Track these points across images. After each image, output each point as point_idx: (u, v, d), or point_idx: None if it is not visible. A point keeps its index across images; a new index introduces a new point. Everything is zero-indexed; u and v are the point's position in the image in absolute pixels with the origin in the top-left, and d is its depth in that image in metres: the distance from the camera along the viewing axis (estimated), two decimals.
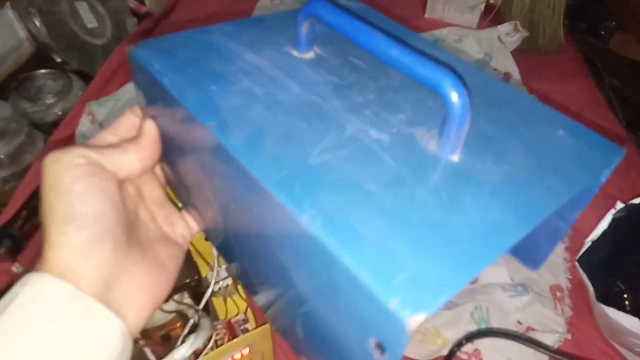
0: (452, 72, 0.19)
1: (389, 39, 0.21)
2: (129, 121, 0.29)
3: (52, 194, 0.23)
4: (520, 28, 0.94)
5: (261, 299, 0.27)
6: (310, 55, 0.27)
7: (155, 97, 0.26)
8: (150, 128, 0.28)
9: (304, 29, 0.26)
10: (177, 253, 0.29)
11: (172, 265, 0.28)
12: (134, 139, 0.28)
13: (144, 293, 0.25)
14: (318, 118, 0.23)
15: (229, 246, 0.28)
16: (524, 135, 0.23)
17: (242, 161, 0.20)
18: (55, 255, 0.22)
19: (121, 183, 0.26)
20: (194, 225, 0.31)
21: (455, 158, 0.21)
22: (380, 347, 0.17)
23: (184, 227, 0.31)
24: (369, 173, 0.20)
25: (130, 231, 0.25)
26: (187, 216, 0.31)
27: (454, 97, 0.19)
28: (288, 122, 0.22)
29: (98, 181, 0.24)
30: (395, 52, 0.20)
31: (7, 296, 0.21)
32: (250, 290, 0.28)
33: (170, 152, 0.28)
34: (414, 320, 0.15)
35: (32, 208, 0.63)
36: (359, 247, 0.17)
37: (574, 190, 0.21)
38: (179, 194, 0.31)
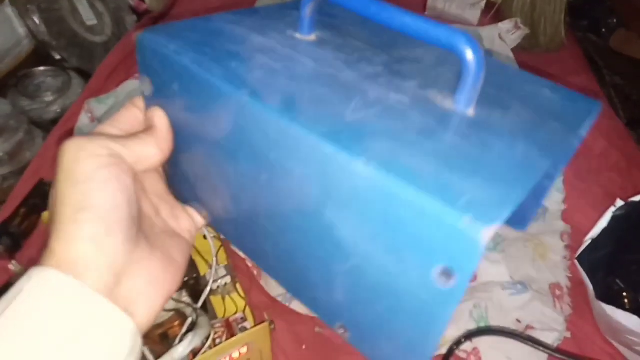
0: (463, 32, 0.22)
1: (400, 8, 0.23)
2: (131, 113, 0.28)
3: (69, 181, 0.22)
4: (521, 26, 0.93)
5: (287, 275, 0.27)
6: (312, 37, 0.28)
7: (168, 81, 0.26)
8: (163, 117, 0.27)
9: (308, 10, 0.27)
10: (184, 247, 0.28)
11: (180, 258, 0.27)
12: (148, 130, 0.27)
13: (153, 287, 0.24)
14: (339, 86, 0.24)
15: (248, 230, 0.28)
16: (517, 94, 0.27)
17: (284, 121, 0.21)
18: (64, 246, 0.21)
19: (136, 176, 0.26)
20: (199, 219, 0.31)
21: (470, 112, 0.23)
22: (447, 273, 0.18)
23: (189, 221, 0.30)
24: (402, 126, 0.22)
25: (138, 225, 0.25)
26: (191, 210, 0.31)
27: (470, 53, 0.21)
28: (314, 90, 0.23)
29: (118, 173, 0.23)
30: (409, 19, 0.22)
31: (12, 292, 0.21)
32: (273, 271, 0.28)
33: (176, 143, 0.28)
34: (487, 231, 0.16)
35: (31, 206, 0.63)
36: (418, 180, 0.18)
37: (576, 134, 0.24)
38: (181, 189, 0.31)
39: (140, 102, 0.28)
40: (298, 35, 0.28)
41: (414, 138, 0.21)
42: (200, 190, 0.29)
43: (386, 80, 0.25)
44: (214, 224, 0.30)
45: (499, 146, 0.21)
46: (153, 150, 0.26)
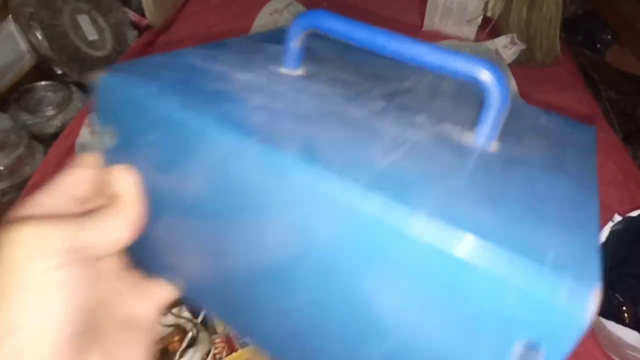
0: (485, 61, 0.19)
1: (412, 38, 0.20)
2: (79, 175, 0.21)
3: (2, 288, 0.17)
4: (518, 41, 0.95)
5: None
6: (300, 72, 0.25)
7: (141, 131, 0.21)
8: (133, 181, 0.21)
9: (298, 42, 0.24)
10: (148, 336, 0.23)
11: (142, 356, 0.22)
12: (114, 202, 0.21)
13: None
14: (353, 126, 0.21)
15: (243, 304, 0.22)
16: (521, 124, 0.25)
17: (313, 171, 0.17)
18: None
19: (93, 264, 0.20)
20: (168, 292, 0.24)
21: (494, 146, 0.21)
22: (533, 349, 0.15)
23: (156, 296, 0.24)
24: (439, 169, 0.19)
25: (90, 333, 0.19)
26: (157, 283, 0.24)
27: (494, 84, 0.19)
28: (328, 131, 0.20)
29: (73, 274, 0.18)
30: (425, 49, 0.20)
31: None
32: (276, 352, 0.22)
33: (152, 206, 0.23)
34: (592, 299, 0.13)
35: None
36: (494, 235, 0.15)
37: (592, 160, 0.23)
38: (143, 258, 0.25)
39: (91, 160, 0.22)
40: (284, 70, 0.25)
41: (456, 183, 0.18)
42: (174, 258, 0.24)
43: (394, 116, 0.23)
44: (192, 294, 0.24)
45: (542, 186, 0.19)
46: (123, 231, 0.20)
